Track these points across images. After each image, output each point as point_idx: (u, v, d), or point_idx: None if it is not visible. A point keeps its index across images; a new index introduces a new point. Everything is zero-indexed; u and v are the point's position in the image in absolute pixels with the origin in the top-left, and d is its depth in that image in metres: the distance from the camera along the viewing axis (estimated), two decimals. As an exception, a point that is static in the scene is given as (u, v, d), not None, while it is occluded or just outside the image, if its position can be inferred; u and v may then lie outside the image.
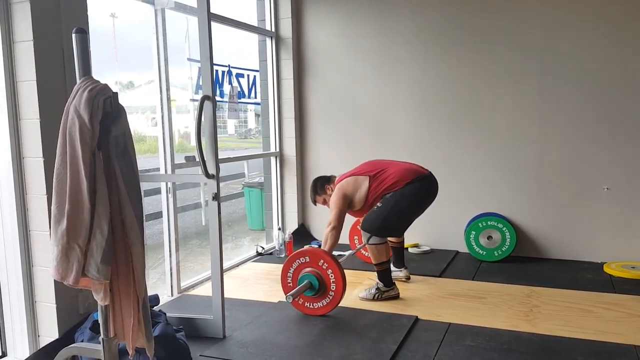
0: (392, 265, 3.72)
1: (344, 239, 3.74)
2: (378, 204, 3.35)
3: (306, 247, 3.24)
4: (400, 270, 3.73)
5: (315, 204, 3.77)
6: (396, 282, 3.51)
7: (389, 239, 3.55)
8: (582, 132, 4.13)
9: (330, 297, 3.10)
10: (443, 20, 4.41)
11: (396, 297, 3.40)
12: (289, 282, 3.21)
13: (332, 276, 3.08)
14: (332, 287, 3.09)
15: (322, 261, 3.11)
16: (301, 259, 3.18)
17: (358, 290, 3.55)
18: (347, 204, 3.43)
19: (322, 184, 3.66)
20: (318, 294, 3.11)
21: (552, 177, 4.25)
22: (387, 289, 3.39)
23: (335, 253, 4.47)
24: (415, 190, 3.33)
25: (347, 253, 3.88)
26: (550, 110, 4.20)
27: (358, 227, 3.88)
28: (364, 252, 4.11)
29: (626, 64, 3.96)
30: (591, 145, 4.12)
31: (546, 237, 4.33)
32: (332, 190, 3.55)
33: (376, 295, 3.37)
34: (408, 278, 3.73)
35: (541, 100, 4.22)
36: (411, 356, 2.60)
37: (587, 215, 4.18)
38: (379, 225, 3.31)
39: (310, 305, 3.14)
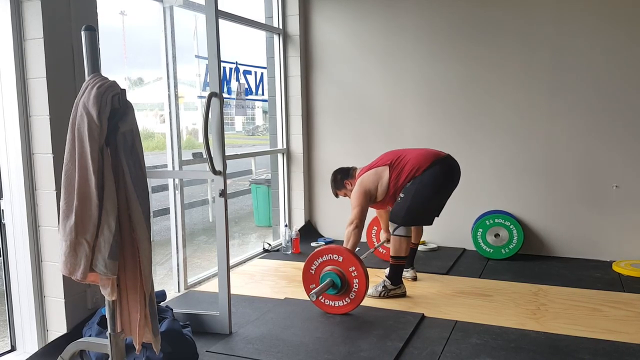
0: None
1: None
2: (400, 195, 3.33)
3: (325, 246, 3.21)
4: (408, 270, 3.72)
5: (337, 197, 3.74)
6: (403, 279, 3.50)
7: None
8: (591, 129, 4.10)
9: (353, 296, 3.08)
10: (451, 16, 4.39)
11: (402, 295, 3.40)
12: (311, 283, 3.19)
13: (355, 274, 3.06)
14: (354, 285, 3.07)
15: (344, 259, 3.09)
16: (324, 257, 3.15)
17: (364, 287, 3.55)
18: (368, 200, 3.38)
19: (342, 179, 3.61)
20: (340, 292, 3.09)
21: (561, 175, 4.22)
22: (394, 287, 3.38)
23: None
24: (435, 175, 3.29)
25: (365, 253, 3.86)
26: (560, 107, 4.17)
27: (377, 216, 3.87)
28: (381, 250, 4.11)
29: (638, 62, 3.92)
30: (600, 142, 4.09)
31: (554, 235, 4.31)
32: (352, 186, 3.52)
33: (382, 293, 3.37)
34: (415, 278, 3.71)
35: (551, 97, 4.19)
36: (417, 354, 2.60)
37: (596, 213, 4.15)
38: (403, 216, 3.28)
39: (332, 303, 3.13)
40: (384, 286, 3.38)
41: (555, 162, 4.23)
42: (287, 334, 2.83)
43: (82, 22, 2.32)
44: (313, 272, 3.18)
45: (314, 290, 3.02)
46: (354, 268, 3.06)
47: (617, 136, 4.04)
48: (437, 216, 3.51)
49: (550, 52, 4.14)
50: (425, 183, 3.28)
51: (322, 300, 3.14)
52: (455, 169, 3.42)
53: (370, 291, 3.39)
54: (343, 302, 3.10)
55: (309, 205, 5.11)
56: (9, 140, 2.61)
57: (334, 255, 3.11)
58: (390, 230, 3.39)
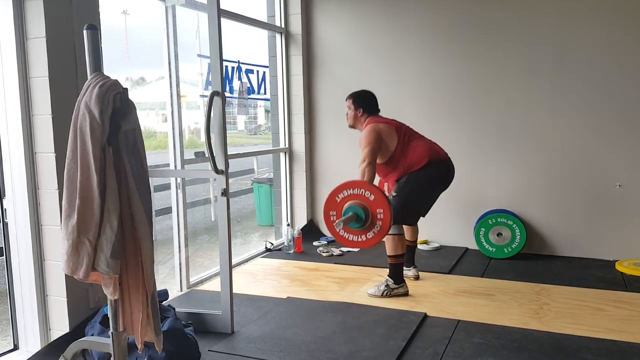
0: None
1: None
2: (393, 193, 3.36)
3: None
4: (409, 269, 3.71)
5: (347, 116, 3.57)
6: (405, 278, 3.49)
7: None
8: (594, 128, 4.09)
9: (379, 227, 3.02)
10: (454, 15, 4.38)
11: (405, 294, 3.39)
12: (333, 216, 3.14)
13: (380, 216, 3.00)
14: (379, 216, 3.01)
15: (375, 198, 3.02)
16: (355, 190, 3.08)
17: (367, 286, 3.55)
18: (379, 143, 3.31)
19: (362, 107, 3.47)
20: (365, 225, 3.04)
21: (564, 174, 4.21)
22: (396, 286, 3.38)
23: (345, 249, 4.50)
24: (430, 176, 3.33)
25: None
26: (563, 106, 4.16)
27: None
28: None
29: (640, 60, 3.91)
30: (604, 141, 4.07)
31: (557, 234, 4.30)
32: (364, 120, 3.45)
33: (385, 292, 3.37)
34: (417, 277, 3.71)
35: (553, 97, 4.18)
36: (420, 353, 2.59)
37: (599, 213, 4.14)
38: (396, 215, 3.26)
39: (358, 238, 3.08)
40: (387, 285, 3.38)
41: (558, 161, 4.22)
42: (289, 333, 2.83)
43: (84, 21, 2.31)
44: (339, 200, 3.10)
45: (340, 219, 2.99)
46: (382, 210, 3.00)
47: (621, 135, 4.02)
48: (424, 216, 3.59)
49: (552, 51, 4.13)
50: (420, 183, 3.32)
51: (346, 236, 3.10)
52: (450, 173, 3.46)
53: (372, 291, 3.40)
54: (369, 235, 3.05)
55: (311, 205, 5.11)
56: (11, 139, 2.61)
57: (367, 192, 3.05)
58: None
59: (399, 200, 3.31)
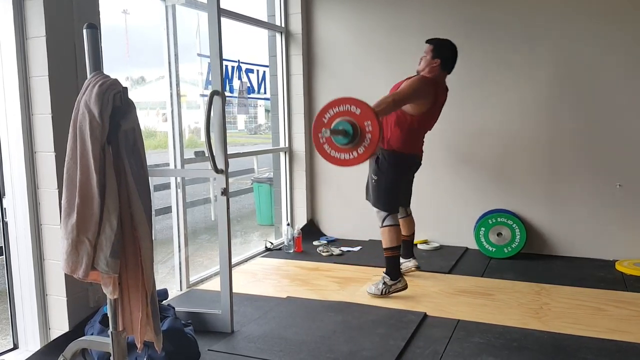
0: (400, 257, 3.72)
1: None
2: (373, 177, 3.42)
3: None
4: (409, 260, 3.71)
5: (421, 59, 3.43)
6: (406, 277, 3.49)
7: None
8: (594, 127, 4.08)
9: (368, 140, 2.89)
10: (454, 14, 4.37)
11: (404, 289, 3.37)
12: (322, 138, 3.02)
13: (369, 129, 2.89)
14: (367, 128, 2.89)
15: (362, 112, 2.93)
16: (340, 107, 2.98)
17: (367, 286, 3.55)
18: (419, 98, 3.22)
19: (441, 59, 3.30)
20: (355, 141, 2.92)
21: (564, 173, 4.21)
22: (393, 282, 3.35)
23: (345, 249, 4.50)
24: (406, 163, 3.46)
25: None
26: (562, 106, 4.16)
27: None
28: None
29: (640, 60, 3.91)
30: (604, 141, 4.07)
31: (557, 234, 4.30)
32: (434, 74, 3.32)
33: (384, 290, 3.35)
34: (418, 267, 3.71)
35: (553, 96, 4.17)
36: (419, 353, 2.59)
37: (599, 212, 4.14)
38: (384, 197, 3.38)
39: (350, 155, 2.96)
40: (384, 283, 3.36)
41: (558, 160, 4.21)
42: (289, 333, 2.83)
43: (84, 20, 2.30)
44: (326, 120, 3.01)
45: (325, 129, 2.89)
46: (369, 122, 2.90)
47: (621, 134, 4.02)
48: (408, 206, 3.68)
49: (552, 52, 4.12)
50: (390, 163, 3.36)
51: (332, 154, 3.01)
52: (418, 165, 3.57)
53: (371, 290, 3.39)
54: (355, 154, 2.95)
55: (311, 204, 5.11)
56: (11, 138, 2.61)
57: (352, 107, 2.95)
58: (379, 224, 3.41)
59: (380, 183, 3.38)
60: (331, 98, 4.84)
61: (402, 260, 3.67)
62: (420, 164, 3.60)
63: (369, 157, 2.97)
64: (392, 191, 3.39)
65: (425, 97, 3.26)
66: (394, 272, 3.37)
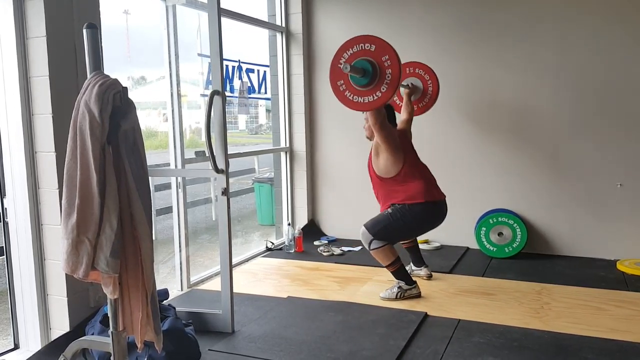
0: (411, 265, 3.71)
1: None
2: (389, 210, 3.31)
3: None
4: (421, 269, 3.69)
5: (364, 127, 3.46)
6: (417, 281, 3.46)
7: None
8: (595, 128, 4.08)
9: (389, 76, 2.81)
10: (455, 15, 4.37)
11: (418, 296, 3.33)
12: (341, 85, 2.97)
13: (388, 63, 2.82)
14: (386, 63, 2.81)
15: (364, 44, 2.84)
16: (354, 47, 2.90)
17: (367, 286, 3.55)
18: (394, 141, 3.25)
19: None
20: (375, 80, 2.83)
21: (565, 173, 4.20)
22: (409, 287, 3.32)
23: (345, 249, 4.50)
24: (426, 214, 3.30)
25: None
26: (564, 106, 4.15)
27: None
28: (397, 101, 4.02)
29: (641, 59, 3.90)
30: (605, 140, 4.06)
31: (558, 234, 4.29)
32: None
33: (399, 294, 3.31)
34: (430, 276, 3.67)
35: (555, 96, 4.17)
36: (420, 352, 2.59)
37: (600, 212, 4.13)
38: (379, 230, 3.26)
39: (373, 97, 2.87)
40: (399, 287, 3.32)
41: (559, 160, 4.21)
42: (290, 333, 2.82)
43: (84, 20, 2.31)
44: (341, 65, 2.91)
45: (345, 64, 2.79)
46: (387, 57, 2.81)
47: (621, 134, 4.01)
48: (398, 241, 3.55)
49: (554, 52, 4.11)
50: (415, 218, 3.27)
51: (352, 98, 2.93)
52: (443, 215, 3.40)
53: (385, 294, 3.34)
54: (373, 97, 2.86)
55: (312, 204, 5.11)
56: (12, 138, 2.61)
57: (366, 45, 2.86)
58: (365, 246, 3.34)
59: (390, 220, 3.27)
60: (331, 98, 4.85)
61: (413, 268, 3.67)
62: (443, 210, 3.39)
63: (392, 95, 2.86)
64: (392, 232, 3.29)
65: (395, 138, 3.30)
66: (407, 279, 3.34)
